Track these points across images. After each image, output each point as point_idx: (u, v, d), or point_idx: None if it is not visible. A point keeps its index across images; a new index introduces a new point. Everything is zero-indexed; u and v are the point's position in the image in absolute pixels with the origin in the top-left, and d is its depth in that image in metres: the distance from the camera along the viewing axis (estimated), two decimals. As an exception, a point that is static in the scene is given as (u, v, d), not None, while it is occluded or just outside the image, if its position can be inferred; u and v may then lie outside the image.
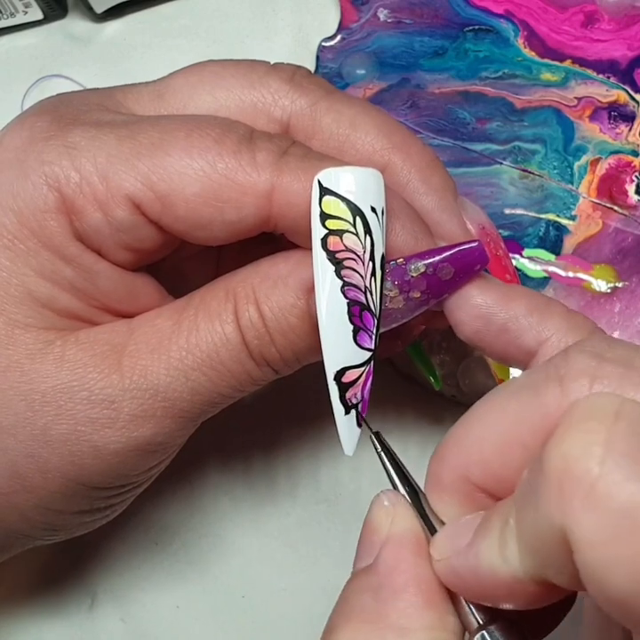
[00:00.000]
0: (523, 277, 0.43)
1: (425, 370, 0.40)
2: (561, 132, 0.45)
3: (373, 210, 0.29)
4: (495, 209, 0.44)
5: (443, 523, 0.27)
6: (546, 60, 0.46)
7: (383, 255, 0.30)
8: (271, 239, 0.33)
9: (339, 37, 0.47)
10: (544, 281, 0.43)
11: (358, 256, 0.29)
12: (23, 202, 0.31)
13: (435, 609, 0.26)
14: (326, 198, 0.29)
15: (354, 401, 0.30)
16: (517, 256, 0.43)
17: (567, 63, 0.46)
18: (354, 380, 0.30)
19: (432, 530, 0.27)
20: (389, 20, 0.47)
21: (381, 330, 0.30)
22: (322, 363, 0.29)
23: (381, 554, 0.27)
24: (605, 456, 0.21)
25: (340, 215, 0.29)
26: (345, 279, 0.29)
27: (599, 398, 0.22)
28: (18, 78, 0.48)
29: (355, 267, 0.29)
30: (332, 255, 0.29)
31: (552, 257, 0.43)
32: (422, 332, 0.38)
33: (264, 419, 0.43)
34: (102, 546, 0.43)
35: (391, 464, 0.29)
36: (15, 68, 0.49)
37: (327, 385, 0.29)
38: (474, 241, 0.31)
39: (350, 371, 0.30)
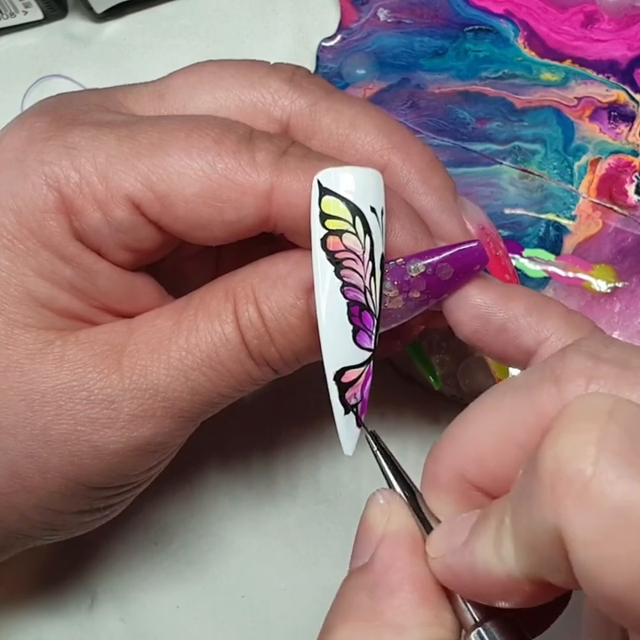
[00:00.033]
0: (523, 277, 0.43)
1: (425, 370, 0.40)
2: (561, 132, 0.45)
3: (373, 210, 0.29)
4: (495, 209, 0.44)
5: (439, 521, 0.27)
6: (546, 60, 0.46)
7: (383, 255, 0.30)
8: (271, 239, 0.33)
9: (339, 37, 0.47)
10: (544, 281, 0.43)
11: (358, 256, 0.29)
12: (23, 202, 0.31)
13: (431, 606, 0.26)
14: (326, 198, 0.29)
15: (353, 401, 0.30)
16: (517, 256, 0.43)
17: (567, 63, 0.46)
18: (353, 380, 0.30)
19: (428, 528, 0.27)
20: (389, 20, 0.47)
21: (381, 330, 0.30)
22: (321, 363, 0.29)
23: (377, 552, 0.27)
24: (598, 456, 0.21)
25: (339, 215, 0.29)
26: (344, 279, 0.29)
27: (592, 398, 0.23)
28: (18, 78, 0.48)
29: (354, 267, 0.29)
30: (331, 255, 0.29)
31: (552, 257, 0.43)
32: (422, 331, 0.38)
33: (264, 418, 0.43)
34: (102, 546, 0.43)
35: (387, 463, 0.29)
36: (15, 68, 0.49)
37: (327, 385, 0.29)
38: (473, 241, 0.31)
39: (350, 371, 0.30)
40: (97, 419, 0.31)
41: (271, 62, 0.35)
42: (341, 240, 0.29)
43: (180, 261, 0.36)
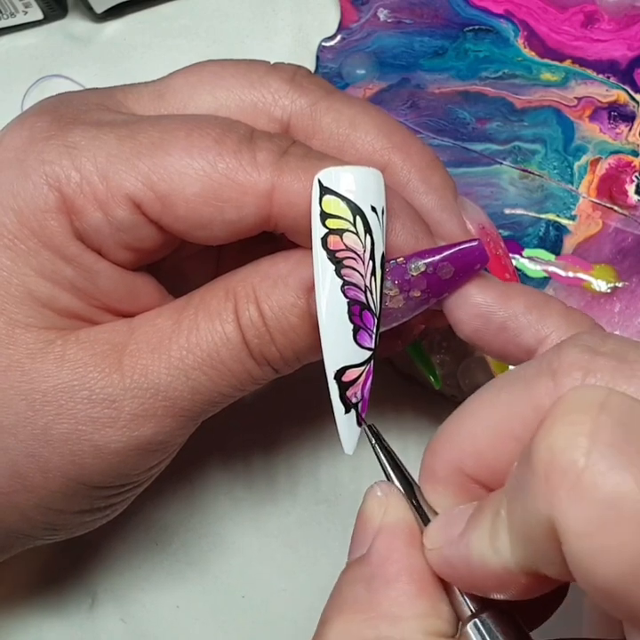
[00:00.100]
0: (523, 277, 0.43)
1: (425, 369, 0.40)
2: (561, 132, 0.45)
3: (373, 209, 0.29)
4: (495, 209, 0.44)
5: (436, 513, 0.27)
6: (546, 60, 0.46)
7: (383, 254, 0.30)
8: (271, 239, 0.33)
9: (339, 37, 0.47)
10: (544, 281, 0.43)
11: (358, 255, 0.29)
12: (23, 201, 0.31)
13: (427, 597, 0.26)
14: (326, 197, 0.29)
15: (354, 400, 0.30)
16: (517, 256, 0.43)
17: (567, 63, 0.46)
18: (354, 379, 0.30)
19: (425, 520, 0.27)
20: (389, 20, 0.47)
21: (381, 329, 0.30)
22: (322, 362, 0.30)
23: (374, 544, 0.27)
24: (591, 447, 0.21)
25: (340, 214, 0.29)
26: (345, 278, 0.29)
27: (586, 390, 0.23)
28: (18, 78, 0.48)
29: (355, 266, 0.29)
30: (332, 254, 0.29)
31: (552, 257, 0.43)
32: (422, 331, 0.38)
33: (264, 418, 0.43)
34: (102, 545, 0.43)
35: (385, 456, 0.29)
36: (15, 68, 0.49)
37: (327, 384, 0.29)
38: (474, 240, 0.31)
39: (350, 370, 0.30)
40: (98, 418, 0.31)
41: (271, 62, 0.35)
42: (342, 239, 0.29)
43: (181, 261, 0.36)
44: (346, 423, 0.30)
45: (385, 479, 0.28)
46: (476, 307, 0.31)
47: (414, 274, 0.31)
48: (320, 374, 0.30)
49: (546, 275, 0.43)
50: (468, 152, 0.45)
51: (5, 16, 0.48)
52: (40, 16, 0.48)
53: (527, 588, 0.24)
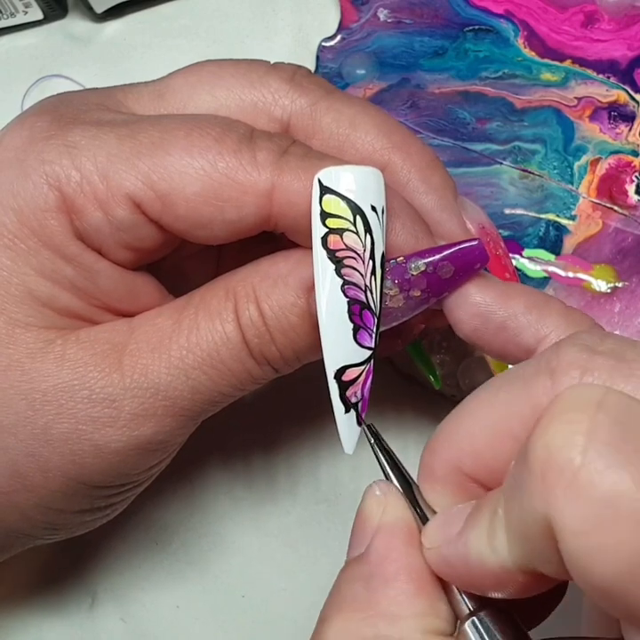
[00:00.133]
0: (523, 277, 0.43)
1: (425, 369, 0.40)
2: (561, 132, 0.45)
3: (373, 209, 0.29)
4: (495, 209, 0.44)
5: (435, 512, 0.27)
6: (546, 60, 0.46)
7: (383, 254, 0.30)
8: (271, 238, 0.33)
9: (339, 37, 0.47)
10: (544, 281, 0.43)
11: (358, 255, 0.29)
12: (23, 201, 0.31)
13: (426, 596, 0.26)
14: (326, 197, 0.29)
15: (354, 399, 0.30)
16: (517, 256, 0.43)
17: (567, 63, 0.46)
18: (354, 379, 0.30)
19: (424, 519, 0.27)
20: (389, 20, 0.47)
21: (381, 328, 0.30)
22: (322, 361, 0.30)
23: (373, 543, 0.27)
24: (587, 445, 0.21)
25: (340, 214, 0.29)
26: (345, 278, 0.29)
27: (583, 389, 0.23)
28: (18, 78, 0.48)
29: (355, 265, 0.29)
30: (332, 254, 0.29)
31: (552, 257, 0.43)
32: (422, 330, 0.38)
33: (264, 417, 0.43)
34: (102, 545, 0.43)
35: (384, 455, 0.29)
36: (15, 68, 0.49)
37: (327, 383, 0.30)
38: (474, 239, 0.31)
39: (350, 369, 0.30)
40: (98, 417, 0.31)
41: (271, 62, 0.35)
42: (342, 239, 0.29)
43: (181, 260, 0.36)
44: (346, 423, 0.30)
45: (384, 478, 0.29)
46: (476, 306, 0.31)
47: (414, 273, 0.31)
48: (320, 374, 0.30)
49: (546, 275, 0.43)
50: (467, 152, 0.45)
51: (5, 16, 0.48)
52: (40, 16, 0.49)
53: (525, 586, 0.24)
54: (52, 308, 0.31)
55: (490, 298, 0.31)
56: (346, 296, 0.29)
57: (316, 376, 0.30)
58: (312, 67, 0.46)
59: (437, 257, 0.31)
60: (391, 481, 0.28)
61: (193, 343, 0.31)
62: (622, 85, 0.45)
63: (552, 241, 0.43)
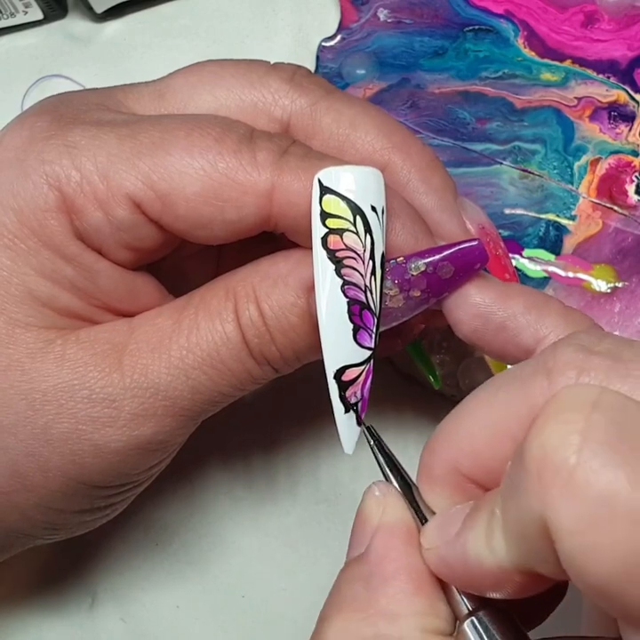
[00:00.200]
0: (523, 277, 0.43)
1: (425, 369, 0.40)
2: (561, 132, 0.45)
3: (373, 209, 0.29)
4: (495, 209, 0.44)
5: (434, 513, 0.27)
6: (546, 60, 0.46)
7: (383, 254, 0.30)
8: (271, 238, 0.33)
9: (339, 37, 0.47)
10: (544, 281, 0.43)
11: (358, 255, 0.29)
12: (23, 201, 0.31)
13: (425, 596, 0.26)
14: (326, 197, 0.29)
15: (353, 400, 0.30)
16: (517, 256, 0.43)
17: (567, 63, 0.46)
18: (354, 379, 0.30)
19: (423, 520, 0.27)
20: (389, 20, 0.47)
21: (381, 328, 0.30)
22: (322, 361, 0.30)
23: (372, 543, 0.27)
24: (583, 445, 0.21)
25: (340, 214, 0.29)
26: (345, 278, 0.29)
27: (578, 388, 0.23)
28: (18, 78, 0.48)
29: (355, 265, 0.29)
30: (332, 254, 0.29)
31: (552, 257, 0.43)
32: (422, 331, 0.38)
33: (264, 417, 0.43)
34: (102, 545, 0.43)
35: (383, 457, 0.29)
36: (15, 68, 0.49)
37: (327, 383, 0.30)
38: (474, 240, 0.31)
39: (350, 369, 0.30)
40: (98, 417, 0.31)
41: (271, 62, 0.35)
42: (342, 239, 0.29)
43: (181, 260, 0.36)
44: (345, 423, 0.30)
45: (383, 479, 0.29)
46: (476, 307, 0.31)
47: (414, 273, 0.31)
48: (320, 374, 0.30)
49: (546, 275, 0.43)
50: (468, 152, 0.45)
51: (5, 16, 0.48)
52: (40, 16, 0.49)
53: (523, 586, 0.24)
54: (52, 307, 0.31)
55: (489, 298, 0.31)
56: (346, 296, 0.29)
57: (316, 376, 0.30)
58: (312, 67, 0.46)
59: (437, 257, 0.31)
60: (391, 482, 0.28)
61: (193, 343, 0.31)
62: (622, 85, 0.45)
63: (552, 241, 0.43)
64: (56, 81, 0.48)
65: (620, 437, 0.21)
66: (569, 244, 0.43)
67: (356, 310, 0.29)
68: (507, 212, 0.44)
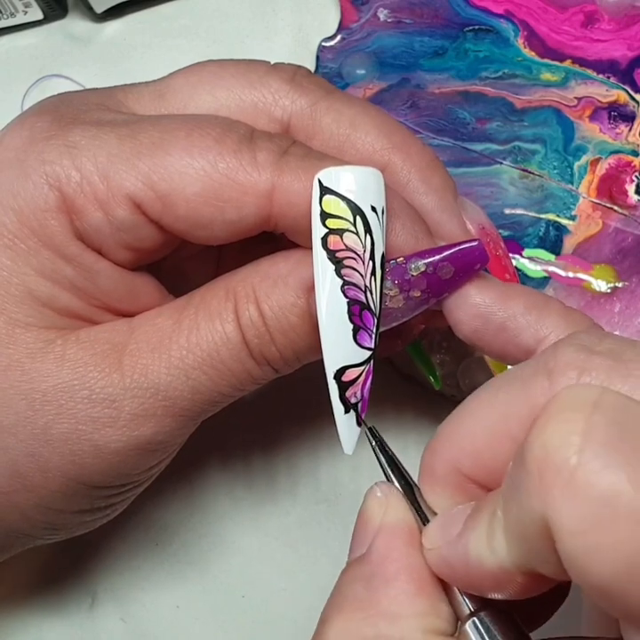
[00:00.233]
0: (523, 277, 0.43)
1: (425, 369, 0.40)
2: (561, 132, 0.45)
3: (374, 209, 0.29)
4: (495, 209, 0.44)
5: (435, 513, 0.27)
6: (546, 60, 0.46)
7: (383, 254, 0.30)
8: (271, 238, 0.33)
9: (339, 37, 0.47)
10: (544, 281, 0.43)
11: (358, 255, 0.29)
12: (24, 201, 0.31)
13: (426, 597, 0.26)
14: (327, 197, 0.29)
15: (353, 400, 0.30)
16: (517, 256, 0.43)
17: (567, 63, 0.46)
18: (354, 379, 0.30)
19: (425, 520, 0.27)
20: (389, 20, 0.47)
21: (381, 329, 0.30)
22: (322, 361, 0.30)
23: (374, 543, 0.27)
24: (583, 445, 0.21)
25: (340, 214, 0.29)
26: (345, 278, 0.29)
27: (579, 389, 0.23)
28: (18, 78, 0.48)
29: (355, 266, 0.29)
30: (332, 254, 0.29)
31: (552, 257, 0.43)
32: (422, 331, 0.38)
33: (264, 417, 0.43)
34: (102, 545, 0.43)
35: (385, 457, 0.29)
36: (15, 68, 0.49)
37: (327, 384, 0.30)
38: (474, 240, 0.31)
39: (350, 370, 0.30)
40: (98, 418, 0.31)
41: (271, 62, 0.35)
42: (342, 239, 0.29)
43: (181, 261, 0.36)
44: (345, 423, 0.30)
45: (385, 480, 0.29)
46: (476, 307, 0.31)
47: (414, 274, 0.31)
48: (320, 373, 0.30)
49: (546, 275, 0.43)
50: (467, 152, 0.45)
51: (5, 16, 0.48)
52: (40, 16, 0.49)
53: (524, 587, 0.24)
54: (52, 308, 0.31)
55: (489, 299, 0.31)
56: (346, 296, 0.29)
57: (316, 376, 0.30)
58: (312, 67, 0.46)
59: (437, 257, 0.31)
60: (392, 482, 0.28)
61: (193, 343, 0.31)
62: (622, 85, 0.45)
63: (552, 241, 0.43)
64: (56, 81, 0.48)
65: (621, 437, 0.21)
66: (569, 243, 0.43)
67: (356, 310, 0.29)
68: (507, 212, 0.44)
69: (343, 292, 0.29)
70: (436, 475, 0.27)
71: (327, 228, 0.29)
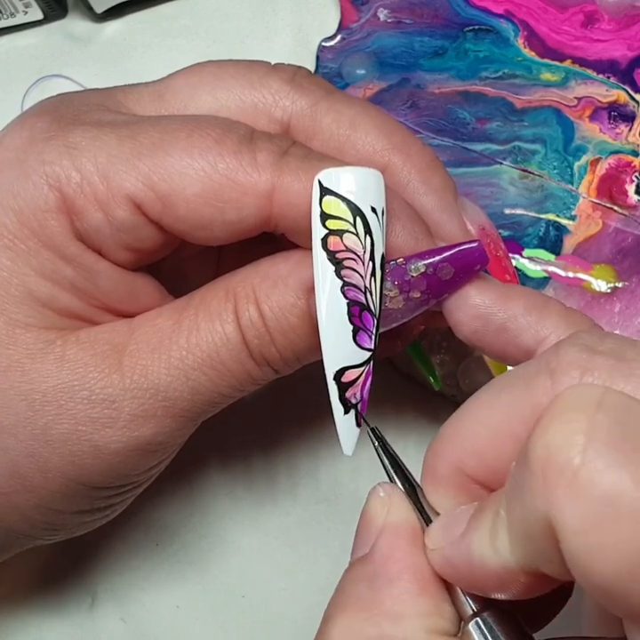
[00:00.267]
0: (523, 277, 0.43)
1: (425, 370, 0.40)
2: (561, 132, 0.45)
3: (373, 210, 0.29)
4: (495, 209, 0.44)
5: (438, 514, 0.27)
6: (546, 60, 0.46)
7: (383, 255, 0.30)
8: (271, 239, 0.33)
9: (339, 37, 0.47)
10: (544, 281, 0.43)
11: (358, 256, 0.29)
12: (24, 201, 0.31)
13: (430, 596, 0.26)
14: (327, 198, 0.29)
15: (353, 401, 0.30)
16: (517, 256, 0.43)
17: (567, 63, 0.46)
18: (353, 380, 0.30)
19: (427, 521, 0.27)
20: (389, 20, 0.47)
21: (381, 330, 0.30)
22: (322, 362, 0.30)
23: (377, 543, 0.27)
24: (587, 445, 0.21)
25: (340, 215, 0.29)
26: (345, 279, 0.29)
27: (582, 388, 0.23)
28: (18, 78, 0.48)
29: (355, 267, 0.29)
30: (332, 255, 0.29)
31: (552, 257, 0.43)
32: (422, 331, 0.38)
33: (264, 418, 0.43)
34: (102, 545, 0.43)
35: (388, 458, 0.29)
36: (15, 68, 0.49)
37: (327, 384, 0.30)
38: (474, 241, 0.31)
39: (350, 370, 0.30)
40: (98, 418, 0.31)
41: (271, 62, 0.35)
42: (342, 240, 0.29)
43: (181, 261, 0.36)
44: (345, 424, 0.30)
45: (388, 480, 0.29)
46: (476, 308, 0.31)
47: (414, 275, 0.31)
48: (320, 374, 0.30)
49: (546, 275, 0.43)
50: (467, 152, 0.45)
51: (5, 16, 0.48)
52: (40, 16, 0.48)
53: (528, 587, 0.24)
54: (52, 308, 0.31)
55: (489, 300, 0.31)
56: (346, 297, 0.29)
57: (316, 376, 0.30)
58: (312, 67, 0.46)
59: (437, 258, 0.31)
60: (395, 483, 0.28)
61: (193, 344, 0.31)
62: (622, 85, 0.45)
63: (552, 241, 0.43)
64: (56, 81, 0.48)
65: (623, 437, 0.21)
66: (569, 244, 0.43)
67: (356, 311, 0.29)
68: (507, 211, 0.44)
69: (343, 292, 0.29)
70: (438, 475, 0.27)
71: (327, 228, 0.29)
